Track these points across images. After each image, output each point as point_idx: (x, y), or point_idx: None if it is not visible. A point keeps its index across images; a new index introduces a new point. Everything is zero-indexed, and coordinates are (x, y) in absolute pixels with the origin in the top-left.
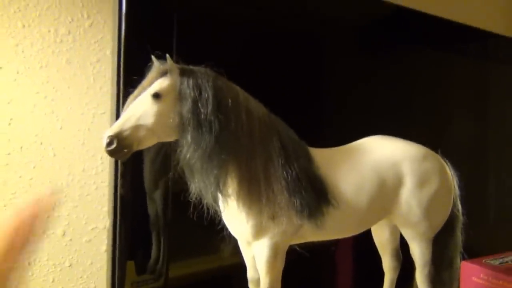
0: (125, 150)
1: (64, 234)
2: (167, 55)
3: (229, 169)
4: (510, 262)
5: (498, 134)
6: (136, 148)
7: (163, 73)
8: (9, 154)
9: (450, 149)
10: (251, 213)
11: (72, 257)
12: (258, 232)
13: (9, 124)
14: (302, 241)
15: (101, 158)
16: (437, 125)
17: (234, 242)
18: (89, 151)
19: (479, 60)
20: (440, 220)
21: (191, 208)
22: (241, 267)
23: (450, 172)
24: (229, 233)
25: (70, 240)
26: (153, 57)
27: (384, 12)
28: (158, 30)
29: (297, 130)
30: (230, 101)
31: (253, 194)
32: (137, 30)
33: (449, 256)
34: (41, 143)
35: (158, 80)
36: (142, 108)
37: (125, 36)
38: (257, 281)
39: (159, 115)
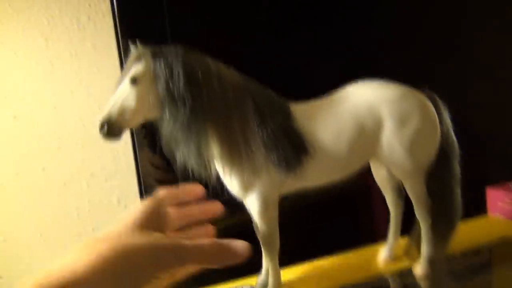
0: (116, 131)
1: (119, 202)
2: (137, 40)
3: (209, 134)
4: None
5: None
6: (126, 127)
7: (138, 58)
8: (59, 138)
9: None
10: (234, 172)
11: None
12: (244, 188)
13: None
14: (291, 189)
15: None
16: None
17: None
18: None
19: None
20: (427, 156)
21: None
22: None
23: (432, 108)
24: None
25: (125, 206)
26: (129, 43)
27: None
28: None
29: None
30: (200, 72)
31: (234, 155)
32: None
33: (448, 187)
34: (83, 125)
35: (134, 65)
36: (124, 93)
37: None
38: None
39: (139, 97)
